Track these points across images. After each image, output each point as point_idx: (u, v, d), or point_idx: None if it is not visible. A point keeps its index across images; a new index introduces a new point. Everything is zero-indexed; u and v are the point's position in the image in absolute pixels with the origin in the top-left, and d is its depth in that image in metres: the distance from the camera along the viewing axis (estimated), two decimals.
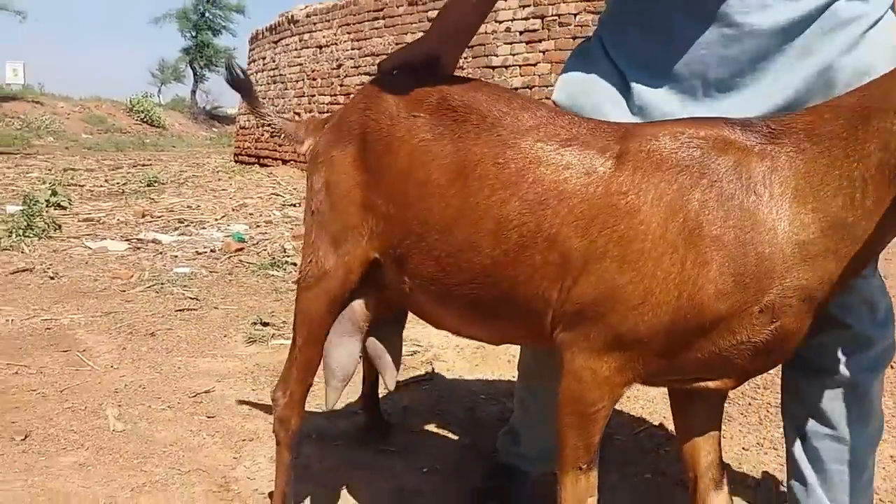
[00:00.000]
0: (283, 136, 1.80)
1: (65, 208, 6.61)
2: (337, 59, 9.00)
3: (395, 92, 1.54)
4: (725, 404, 2.60)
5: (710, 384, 1.37)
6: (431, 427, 2.47)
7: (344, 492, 2.03)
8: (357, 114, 1.58)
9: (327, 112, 9.09)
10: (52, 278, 4.20)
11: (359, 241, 1.54)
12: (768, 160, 1.21)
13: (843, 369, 1.54)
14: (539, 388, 1.87)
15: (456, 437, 2.39)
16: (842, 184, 1.16)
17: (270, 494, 1.99)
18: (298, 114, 9.89)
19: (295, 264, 4.81)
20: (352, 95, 8.64)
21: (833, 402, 1.57)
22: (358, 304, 1.65)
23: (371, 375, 2.30)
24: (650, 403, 2.71)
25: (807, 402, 1.62)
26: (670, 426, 2.51)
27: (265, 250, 5.30)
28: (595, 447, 1.36)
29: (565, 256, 1.28)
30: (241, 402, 2.59)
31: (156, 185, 8.86)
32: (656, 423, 2.55)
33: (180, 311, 3.69)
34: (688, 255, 1.19)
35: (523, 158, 1.35)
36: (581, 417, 1.32)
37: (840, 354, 1.54)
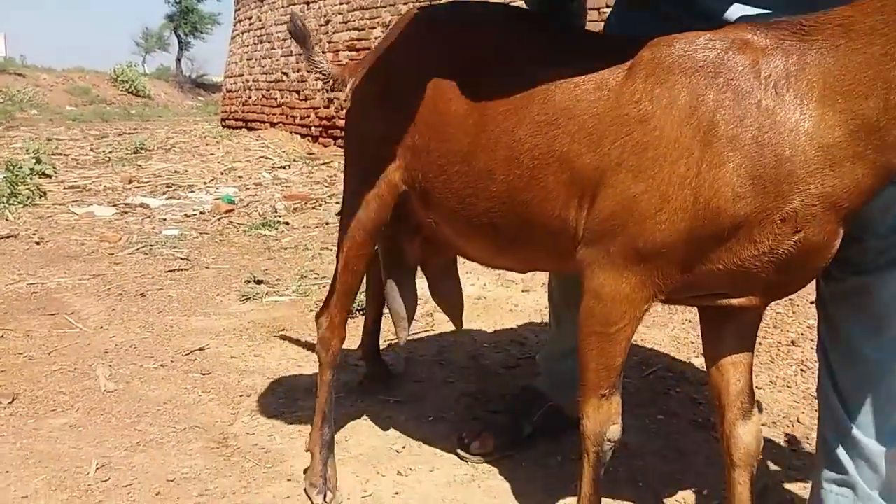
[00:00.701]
0: (332, 82, 1.80)
1: (49, 176, 6.44)
2: (325, 15, 8.76)
3: (419, 27, 1.56)
4: None
5: (734, 301, 1.30)
6: (435, 376, 2.39)
7: (349, 444, 1.95)
8: (384, 50, 1.60)
9: (327, 83, 8.89)
10: (37, 244, 4.08)
11: (389, 172, 1.55)
12: (794, 57, 1.13)
13: (850, 278, 1.42)
14: (563, 315, 1.96)
15: (461, 386, 2.31)
16: (876, 84, 1.07)
17: (269, 449, 1.92)
18: (286, 73, 9.68)
19: (287, 223, 4.71)
20: (340, 52, 8.42)
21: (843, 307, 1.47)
22: (408, 252, 1.75)
23: (371, 324, 2.21)
24: (658, 346, 2.64)
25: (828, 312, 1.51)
26: (680, 368, 2.44)
27: (256, 211, 5.17)
28: (618, 371, 1.31)
29: (578, 173, 1.25)
30: (237, 359, 2.51)
31: (142, 151, 8.67)
32: (665, 366, 2.48)
33: (171, 271, 3.58)
34: (703, 158, 1.13)
35: (533, 81, 1.33)
36: (602, 338, 1.28)
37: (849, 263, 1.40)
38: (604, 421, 1.33)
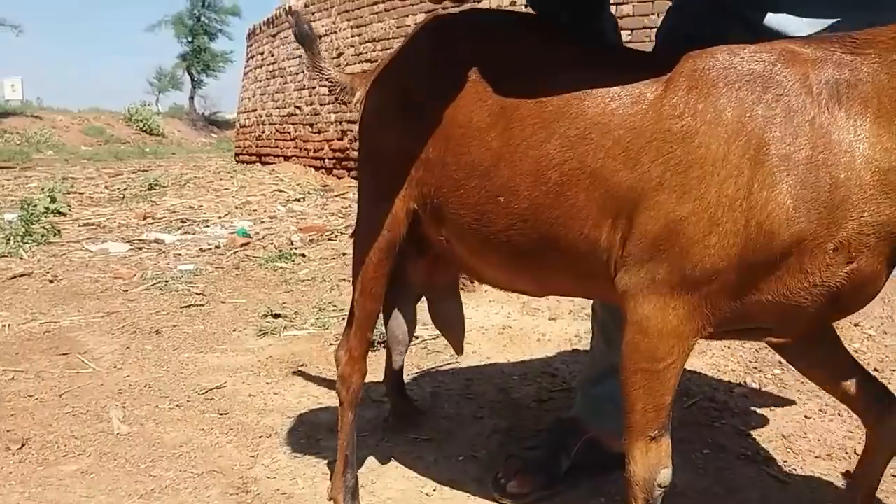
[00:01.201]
0: (338, 90, 1.70)
1: (64, 214, 6.42)
2: (337, 48, 8.77)
3: (438, 35, 1.48)
4: (778, 371, 2.43)
5: (775, 339, 1.24)
6: (464, 412, 2.26)
7: (375, 486, 1.83)
8: (401, 59, 1.52)
9: (328, 104, 8.88)
10: (51, 282, 4.00)
11: (403, 190, 1.46)
12: (846, 72, 1.05)
13: None
14: (612, 333, 1.81)
15: (492, 422, 2.18)
16: None
17: (290, 494, 1.81)
18: (299, 107, 9.68)
19: (304, 255, 4.63)
20: None
21: None
22: (411, 270, 1.65)
23: (394, 360, 2.09)
24: (696, 376, 2.50)
25: None
26: (722, 398, 2.31)
27: (272, 244, 5.10)
28: (667, 410, 1.21)
29: (613, 191, 1.16)
30: (256, 397, 2.40)
31: (157, 188, 8.68)
32: (706, 396, 2.35)
33: (186, 307, 3.49)
34: (754, 178, 1.04)
35: (563, 93, 1.24)
36: (649, 376, 1.17)
37: None
38: (653, 465, 1.21)
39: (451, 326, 1.79)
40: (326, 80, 1.71)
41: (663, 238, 1.10)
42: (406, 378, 2.52)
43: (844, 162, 1.02)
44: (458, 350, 1.81)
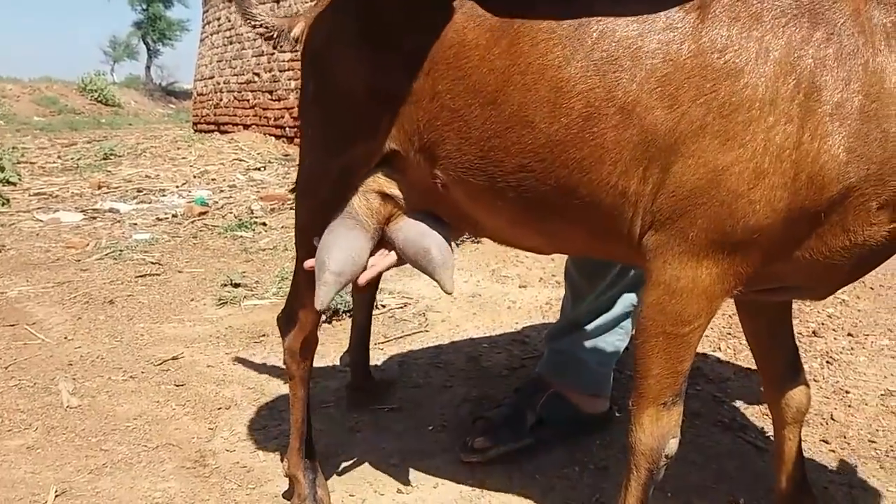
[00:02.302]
0: (275, 34, 1.51)
1: (14, 184, 6.16)
2: (296, 12, 8.55)
3: None
4: None
5: (801, 296, 1.22)
6: (433, 381, 2.18)
7: (341, 459, 1.74)
8: None
9: (289, 70, 8.66)
10: None
11: (367, 136, 1.28)
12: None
13: None
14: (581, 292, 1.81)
15: (462, 390, 2.11)
16: None
17: (250, 467, 1.71)
18: (258, 74, 9.43)
19: (265, 224, 4.50)
20: None
21: None
22: (358, 199, 1.35)
23: (360, 328, 1.99)
24: None
25: None
26: (697, 364, 2.26)
27: (231, 213, 4.94)
28: (684, 376, 1.12)
29: (648, 133, 1.01)
30: (214, 368, 2.29)
31: (112, 157, 8.38)
32: None
33: (141, 276, 3.35)
34: (805, 126, 0.94)
35: (586, 7, 1.07)
36: (672, 339, 1.08)
37: None
38: (663, 434, 1.14)
39: (432, 259, 1.34)
40: (259, 25, 1.54)
41: (702, 189, 0.99)
42: (374, 348, 2.44)
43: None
44: (449, 287, 1.35)
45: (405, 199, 1.35)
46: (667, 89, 1.01)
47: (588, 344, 1.81)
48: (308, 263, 1.36)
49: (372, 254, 1.39)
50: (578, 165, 1.08)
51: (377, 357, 2.36)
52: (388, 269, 1.43)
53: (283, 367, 1.58)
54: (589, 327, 1.81)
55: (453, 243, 1.42)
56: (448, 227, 1.40)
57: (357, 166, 1.32)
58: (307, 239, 1.41)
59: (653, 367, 1.11)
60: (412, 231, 1.36)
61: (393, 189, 1.34)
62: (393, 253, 1.41)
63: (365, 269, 1.37)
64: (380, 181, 1.34)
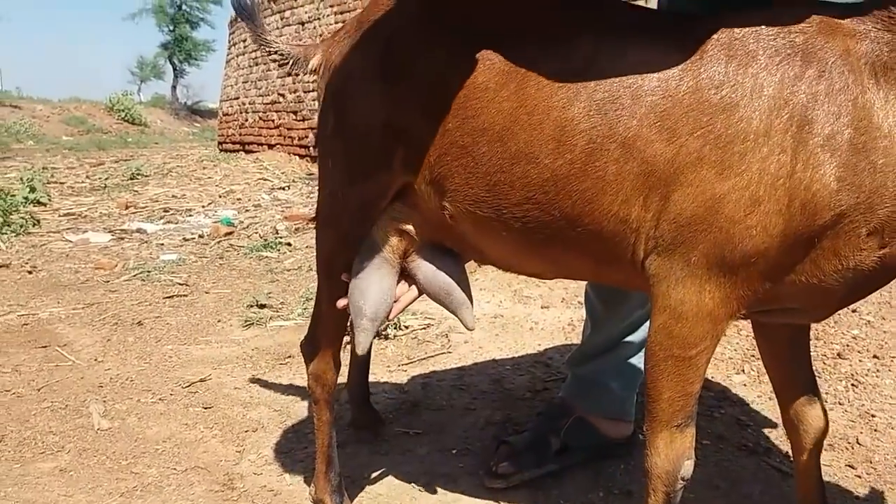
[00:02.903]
0: (290, 62, 1.56)
1: (44, 204, 6.29)
2: (320, 35, 8.65)
3: None
4: None
5: (801, 318, 1.25)
6: (456, 403, 2.20)
7: (365, 482, 1.76)
8: (381, 14, 1.34)
9: (313, 91, 8.76)
10: (29, 272, 3.91)
11: (383, 166, 1.32)
12: (885, 52, 1.00)
13: None
14: (600, 316, 1.83)
15: (485, 413, 2.12)
16: None
17: (278, 490, 1.74)
18: (283, 94, 9.55)
19: (289, 244, 4.55)
20: None
21: None
22: (380, 234, 1.41)
23: (357, 340, 1.95)
24: None
25: None
26: (720, 388, 2.26)
27: (256, 233, 5.01)
28: (695, 399, 1.16)
29: (648, 165, 1.07)
30: (241, 390, 2.32)
31: (139, 177, 8.54)
32: (703, 385, 2.29)
33: (169, 297, 3.41)
34: (798, 156, 0.99)
35: (589, 52, 1.14)
36: (680, 363, 1.11)
37: None
38: (678, 456, 1.16)
39: (455, 298, 1.45)
40: (274, 52, 1.58)
41: (701, 217, 1.04)
42: (396, 369, 2.46)
43: (883, 147, 0.98)
44: (471, 324, 1.49)
45: (417, 231, 1.40)
46: (666, 123, 1.06)
47: (610, 369, 1.82)
48: (341, 303, 1.44)
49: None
50: (581, 197, 1.13)
51: (401, 378, 2.38)
52: (412, 302, 1.48)
53: (308, 390, 1.61)
54: (610, 352, 1.82)
55: (474, 268, 1.48)
56: (460, 260, 1.45)
57: (375, 198, 1.37)
58: (330, 268, 1.47)
59: (663, 390, 1.14)
60: (432, 269, 1.42)
61: (407, 223, 1.39)
62: (414, 287, 1.46)
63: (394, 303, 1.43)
64: (395, 215, 1.39)
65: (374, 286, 1.39)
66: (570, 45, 1.16)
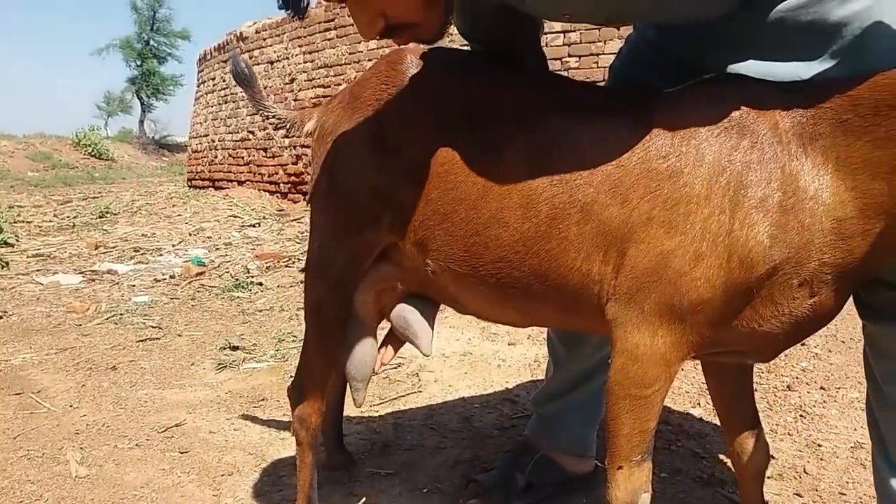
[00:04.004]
0: (287, 126, 1.68)
1: (12, 245, 6.29)
2: (290, 74, 8.76)
3: (415, 67, 1.46)
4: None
5: (748, 359, 1.39)
6: (426, 442, 2.28)
7: None
8: (372, 89, 1.48)
9: (282, 129, 8.84)
10: (0, 317, 3.92)
11: (371, 225, 1.45)
12: (809, 125, 1.14)
13: None
14: (561, 358, 1.93)
15: (455, 451, 2.20)
16: (881, 167, 1.07)
17: None
18: (252, 132, 9.63)
19: (261, 284, 4.60)
20: (306, 109, 8.45)
21: None
22: (361, 304, 1.55)
23: (334, 400, 2.01)
24: None
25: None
26: (678, 421, 2.36)
27: (227, 272, 5.06)
28: (650, 435, 1.26)
29: (605, 225, 1.21)
30: (216, 434, 2.38)
31: (108, 215, 8.54)
32: (662, 419, 2.40)
33: (142, 341, 3.45)
34: (735, 217, 1.12)
35: (551, 130, 1.29)
36: (637, 401, 1.22)
37: None
38: (635, 489, 1.26)
39: (415, 329, 1.57)
40: (272, 117, 1.70)
41: (652, 270, 1.16)
42: (368, 409, 2.53)
43: (809, 208, 1.10)
44: (427, 350, 1.58)
45: (401, 283, 1.53)
46: (619, 189, 1.20)
47: (572, 408, 1.92)
48: None
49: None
50: (548, 255, 1.27)
51: (372, 419, 2.46)
52: (393, 357, 1.65)
53: (291, 432, 1.68)
54: (572, 392, 1.92)
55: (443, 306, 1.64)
56: (430, 304, 1.60)
57: (363, 253, 1.49)
58: (318, 315, 1.58)
59: (622, 427, 1.24)
60: (396, 312, 1.58)
61: (390, 278, 1.52)
62: (390, 348, 1.64)
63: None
64: (379, 276, 1.52)
65: (357, 352, 1.57)
66: (536, 123, 1.30)
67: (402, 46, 1.46)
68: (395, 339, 1.63)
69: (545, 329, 3.07)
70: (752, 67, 1.31)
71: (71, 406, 2.63)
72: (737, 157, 1.14)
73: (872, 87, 1.09)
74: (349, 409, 2.33)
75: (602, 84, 1.56)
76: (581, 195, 1.23)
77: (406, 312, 1.56)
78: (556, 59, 5.67)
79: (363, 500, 1.91)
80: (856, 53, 1.21)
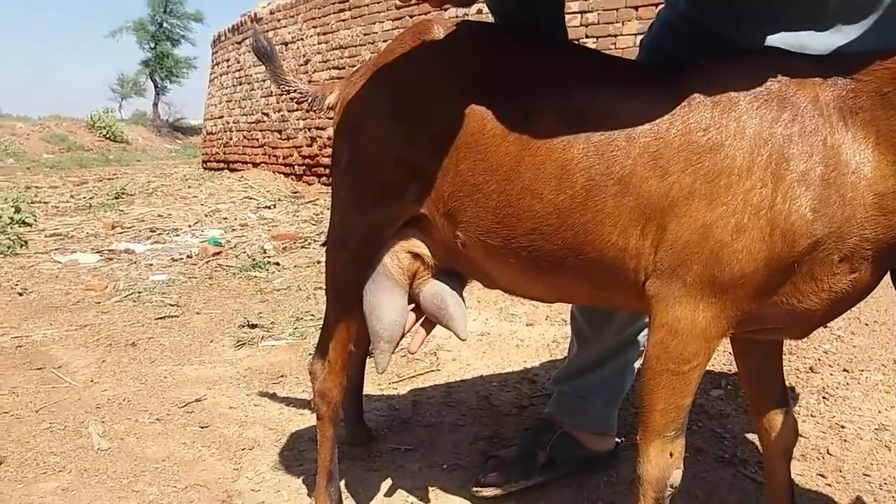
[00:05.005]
0: (308, 100, 1.67)
1: (30, 225, 6.32)
2: (304, 55, 8.74)
3: (442, 35, 1.43)
4: None
5: (783, 336, 1.37)
6: (445, 420, 2.28)
7: (360, 498, 1.83)
8: (396, 60, 1.45)
9: (296, 111, 8.85)
10: (20, 294, 3.95)
11: (394, 200, 1.44)
12: (849, 99, 1.12)
13: None
14: (586, 335, 1.92)
15: (474, 429, 2.20)
16: None
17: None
18: (267, 114, 9.63)
19: (278, 264, 4.61)
20: None
21: None
22: (390, 259, 1.50)
23: (354, 376, 2.00)
24: None
25: None
26: (698, 401, 2.35)
27: (244, 252, 5.07)
28: (686, 411, 1.25)
29: (644, 198, 1.19)
30: (237, 409, 2.39)
31: (124, 196, 8.56)
32: None
33: (161, 318, 3.46)
34: (777, 190, 1.11)
35: (585, 100, 1.27)
36: (675, 376, 1.21)
37: None
38: (668, 465, 1.25)
39: (448, 313, 1.52)
40: (294, 91, 1.68)
41: (695, 242, 1.15)
42: (387, 387, 2.54)
43: (851, 182, 1.09)
44: (463, 335, 1.55)
45: (431, 256, 1.50)
46: (659, 162, 1.18)
47: (594, 385, 1.91)
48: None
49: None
50: (583, 228, 1.24)
51: (392, 396, 2.46)
52: (423, 343, 1.61)
53: (311, 407, 1.68)
54: (595, 370, 1.91)
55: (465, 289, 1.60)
56: (461, 282, 1.54)
57: (384, 225, 1.47)
58: (338, 289, 1.56)
59: (657, 402, 1.23)
60: (430, 291, 1.52)
61: (421, 248, 1.49)
62: (423, 329, 1.59)
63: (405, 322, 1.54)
64: (410, 240, 1.49)
65: (387, 309, 1.49)
66: (569, 93, 1.28)
67: (428, 17, 1.44)
68: (427, 321, 1.59)
69: (563, 309, 3.06)
70: (784, 39, 1.29)
71: (92, 381, 2.65)
72: (778, 130, 1.12)
73: None
74: (368, 387, 2.35)
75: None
76: (618, 167, 1.20)
77: (443, 293, 1.52)
78: (573, 39, 5.61)
79: (388, 480, 1.91)
80: (893, 24, 1.19)
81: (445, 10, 1.37)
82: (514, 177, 1.29)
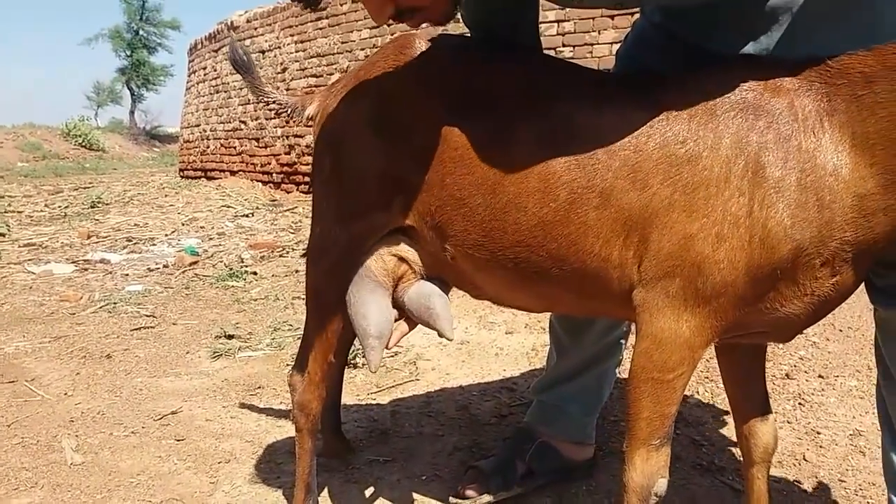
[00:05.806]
0: (287, 111, 1.66)
1: (3, 235, 6.23)
2: (281, 63, 8.71)
3: (424, 48, 1.44)
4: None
5: (767, 340, 1.39)
6: (424, 430, 2.27)
7: None
8: (379, 74, 1.45)
9: (274, 119, 8.81)
10: None
11: (378, 211, 1.44)
12: (825, 102, 1.14)
13: None
14: (565, 345, 1.93)
15: (453, 439, 2.19)
16: None
17: None
18: (244, 122, 9.58)
19: (255, 273, 4.58)
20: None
21: None
22: (374, 261, 1.50)
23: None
24: None
25: None
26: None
27: (221, 262, 5.03)
28: (671, 420, 1.26)
29: (624, 210, 1.21)
30: (213, 422, 2.36)
31: (99, 205, 8.46)
32: None
33: (136, 329, 3.42)
34: (754, 198, 1.12)
35: (565, 114, 1.29)
36: (659, 385, 1.22)
37: None
38: (652, 473, 1.25)
39: (434, 312, 1.51)
40: (272, 102, 1.68)
41: (676, 254, 1.16)
42: (366, 397, 2.52)
43: (829, 185, 1.10)
44: (451, 335, 1.52)
45: (419, 263, 1.51)
46: (638, 174, 1.20)
47: (572, 395, 1.91)
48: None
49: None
50: (567, 240, 1.26)
51: (370, 406, 2.45)
52: (404, 335, 1.58)
53: (290, 419, 1.66)
54: (573, 380, 1.91)
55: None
56: (446, 286, 1.56)
57: (365, 237, 1.47)
58: (318, 299, 1.56)
59: (643, 410, 1.23)
60: (416, 291, 1.53)
61: (409, 253, 1.50)
62: (404, 323, 1.57)
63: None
64: (397, 245, 1.49)
65: (372, 307, 1.48)
66: (549, 108, 1.29)
67: (410, 31, 1.44)
68: (409, 320, 1.58)
69: (542, 318, 3.07)
70: (756, 49, 1.30)
71: (65, 394, 2.61)
72: (753, 139, 1.13)
73: (885, 61, 1.08)
74: (347, 398, 2.33)
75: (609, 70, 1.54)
76: (599, 180, 1.22)
77: (430, 293, 1.52)
78: (550, 48, 5.65)
79: (369, 489, 1.90)
80: (867, 32, 1.20)
81: (416, 28, 1.36)
82: (498, 190, 1.30)
